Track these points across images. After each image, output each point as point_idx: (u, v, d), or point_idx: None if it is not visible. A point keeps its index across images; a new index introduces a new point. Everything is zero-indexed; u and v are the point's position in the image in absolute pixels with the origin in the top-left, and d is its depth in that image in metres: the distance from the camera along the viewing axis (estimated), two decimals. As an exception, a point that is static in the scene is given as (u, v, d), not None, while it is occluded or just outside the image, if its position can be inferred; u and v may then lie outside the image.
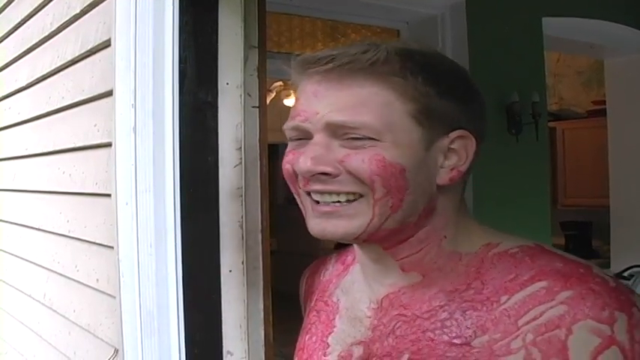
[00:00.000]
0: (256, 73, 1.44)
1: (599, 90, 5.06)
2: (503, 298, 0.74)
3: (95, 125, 1.61)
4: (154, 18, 1.31)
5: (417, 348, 0.76)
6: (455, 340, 0.74)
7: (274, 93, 5.05)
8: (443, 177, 0.79)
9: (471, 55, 3.05)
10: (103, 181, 1.56)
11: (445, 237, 0.81)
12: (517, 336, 0.71)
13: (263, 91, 1.46)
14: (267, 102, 1.60)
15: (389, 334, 0.80)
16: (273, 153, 1.61)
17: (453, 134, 0.78)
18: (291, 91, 4.89)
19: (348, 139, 0.76)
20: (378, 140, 0.75)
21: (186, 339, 1.31)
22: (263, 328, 1.43)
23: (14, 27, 2.33)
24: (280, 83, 5.07)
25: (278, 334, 1.54)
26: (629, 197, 4.01)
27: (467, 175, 0.82)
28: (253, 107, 1.43)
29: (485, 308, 0.74)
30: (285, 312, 1.74)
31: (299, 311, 1.04)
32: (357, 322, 0.85)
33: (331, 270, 0.98)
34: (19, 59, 2.29)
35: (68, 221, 1.82)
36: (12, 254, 2.37)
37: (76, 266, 1.76)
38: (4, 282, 2.46)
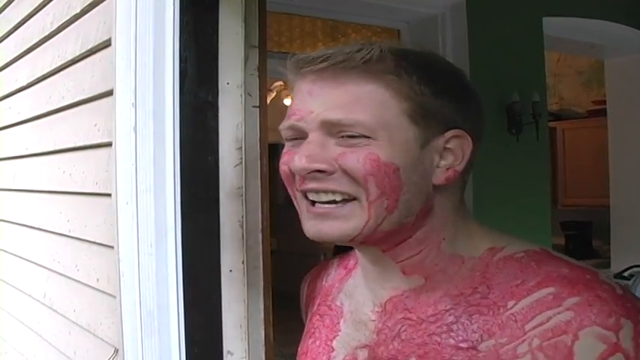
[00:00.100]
0: (257, 73, 1.44)
1: (599, 90, 5.06)
2: (510, 303, 0.73)
3: (95, 125, 1.61)
4: (154, 17, 1.31)
5: (424, 352, 0.76)
6: (461, 344, 0.74)
7: (274, 93, 5.05)
8: (439, 177, 0.79)
9: (471, 55, 3.05)
10: (104, 181, 1.56)
11: (444, 239, 0.80)
12: (523, 341, 0.71)
13: (263, 91, 1.46)
14: (268, 102, 1.60)
15: (394, 337, 0.80)
16: (273, 153, 1.61)
17: (449, 134, 0.78)
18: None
19: (342, 137, 0.76)
20: (372, 139, 0.75)
21: (187, 339, 1.31)
22: (263, 328, 1.43)
23: (14, 26, 2.33)
24: (281, 83, 5.07)
25: (278, 334, 1.54)
26: (629, 197, 4.01)
27: (466, 175, 0.82)
28: (254, 107, 1.43)
29: (491, 313, 0.74)
30: (286, 312, 1.74)
31: (299, 311, 1.04)
32: (361, 325, 0.85)
33: (333, 274, 0.97)
34: (19, 59, 2.29)
35: (68, 221, 1.82)
36: (12, 254, 2.37)
37: (76, 266, 1.76)
38: (4, 282, 2.46)
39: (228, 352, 1.36)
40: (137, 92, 1.31)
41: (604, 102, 4.36)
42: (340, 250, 0.99)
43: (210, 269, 1.35)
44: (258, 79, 1.44)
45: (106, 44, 1.52)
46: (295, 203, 0.82)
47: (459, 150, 0.79)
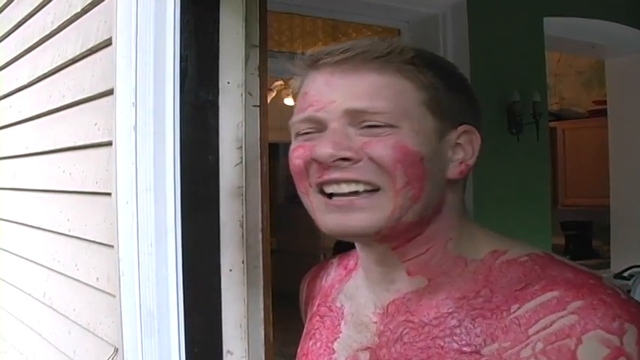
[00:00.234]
0: (257, 72, 1.44)
1: (599, 90, 5.06)
2: (514, 307, 0.73)
3: (96, 124, 1.61)
4: (155, 17, 1.31)
5: (427, 355, 0.76)
6: (464, 348, 0.74)
7: (275, 92, 5.05)
8: (453, 171, 0.79)
9: (472, 55, 3.05)
10: (104, 180, 1.56)
11: (451, 239, 0.81)
12: (527, 345, 0.71)
13: (264, 90, 1.46)
14: (268, 101, 1.60)
15: (396, 340, 0.79)
16: (273, 152, 1.61)
17: (460, 128, 0.79)
18: (291, 90, 4.88)
19: (365, 127, 0.76)
20: (396, 127, 0.75)
21: (186, 338, 1.31)
22: (263, 327, 1.43)
23: (15, 26, 2.33)
24: (281, 82, 5.06)
25: (278, 333, 1.54)
26: (629, 197, 4.01)
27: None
28: (254, 106, 1.43)
29: (494, 316, 0.74)
30: (285, 311, 1.73)
31: (299, 310, 1.04)
32: (362, 327, 0.84)
33: (333, 275, 0.97)
34: (19, 58, 2.29)
35: (68, 220, 1.82)
36: (12, 253, 2.37)
37: (76, 265, 1.76)
38: (4, 281, 2.46)
39: (228, 351, 1.36)
40: (137, 91, 1.31)
41: (604, 102, 4.36)
42: (340, 249, 0.98)
43: (210, 269, 1.35)
44: (258, 78, 1.44)
45: (107, 43, 1.52)
46: (306, 200, 0.81)
47: (468, 145, 0.80)
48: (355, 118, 0.76)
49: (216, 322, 1.35)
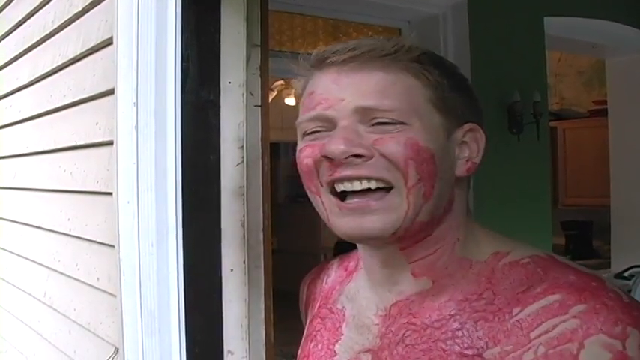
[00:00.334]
0: (258, 72, 1.44)
1: (600, 90, 5.05)
2: (516, 310, 0.73)
3: (97, 123, 1.61)
4: (156, 16, 1.30)
5: (429, 358, 0.76)
6: (466, 351, 0.74)
7: (276, 92, 5.05)
8: (461, 168, 0.80)
9: (472, 55, 3.05)
10: (105, 180, 1.55)
11: (458, 239, 0.81)
12: (529, 348, 0.70)
13: (265, 90, 1.46)
14: (269, 101, 1.60)
15: (398, 342, 0.79)
16: (274, 152, 1.61)
17: (466, 126, 0.80)
18: (293, 90, 4.88)
19: (375, 124, 0.76)
20: (407, 124, 0.75)
21: (187, 338, 1.31)
22: (264, 327, 1.43)
23: (15, 25, 2.33)
24: (282, 82, 5.07)
25: (278, 333, 1.54)
26: (629, 197, 4.01)
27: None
28: (255, 106, 1.43)
29: (497, 319, 0.74)
30: (286, 311, 1.73)
31: (299, 311, 1.04)
32: (364, 329, 0.84)
33: (334, 276, 0.96)
34: (20, 57, 2.29)
35: (69, 219, 1.82)
36: (12, 252, 2.37)
37: (76, 265, 1.76)
38: (4, 280, 2.46)
39: (229, 351, 1.36)
40: (139, 91, 1.31)
41: (605, 102, 4.36)
42: (341, 249, 0.98)
43: (211, 268, 1.35)
44: (259, 78, 1.44)
45: (108, 43, 1.52)
46: (317, 200, 0.80)
47: (473, 143, 0.81)
48: (365, 115, 0.76)
49: (217, 321, 1.35)
